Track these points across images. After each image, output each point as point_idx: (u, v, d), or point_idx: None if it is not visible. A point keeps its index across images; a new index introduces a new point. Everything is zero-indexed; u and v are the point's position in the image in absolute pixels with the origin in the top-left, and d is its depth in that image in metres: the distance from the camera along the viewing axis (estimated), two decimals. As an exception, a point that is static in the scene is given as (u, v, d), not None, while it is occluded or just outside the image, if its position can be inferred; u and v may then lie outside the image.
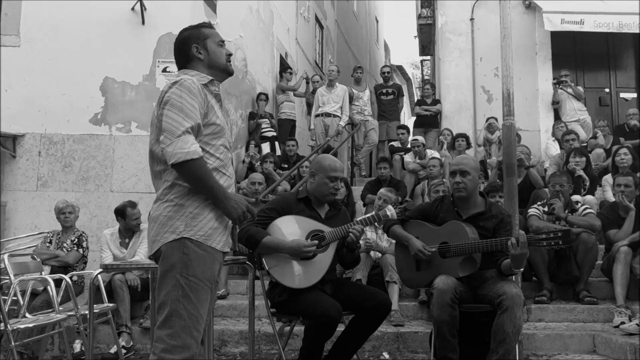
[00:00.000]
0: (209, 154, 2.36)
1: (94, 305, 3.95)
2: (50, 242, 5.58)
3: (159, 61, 6.83)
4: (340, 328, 3.43)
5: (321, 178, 3.47)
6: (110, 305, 4.82)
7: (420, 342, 4.53)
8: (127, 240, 5.49)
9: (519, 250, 3.18)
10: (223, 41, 2.60)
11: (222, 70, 2.56)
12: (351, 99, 9.25)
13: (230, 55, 2.60)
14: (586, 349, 4.39)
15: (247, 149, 8.37)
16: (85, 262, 5.64)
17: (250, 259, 3.63)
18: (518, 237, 3.19)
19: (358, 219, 3.53)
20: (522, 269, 3.41)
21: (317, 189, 3.51)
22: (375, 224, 3.52)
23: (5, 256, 4.66)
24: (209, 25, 2.61)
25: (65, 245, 5.52)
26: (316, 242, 3.33)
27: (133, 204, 5.47)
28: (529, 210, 5.36)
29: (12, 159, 6.87)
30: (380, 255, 5.27)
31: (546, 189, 5.85)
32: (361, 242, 4.90)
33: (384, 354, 4.50)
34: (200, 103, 2.32)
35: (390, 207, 3.50)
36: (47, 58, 6.90)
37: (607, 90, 10.17)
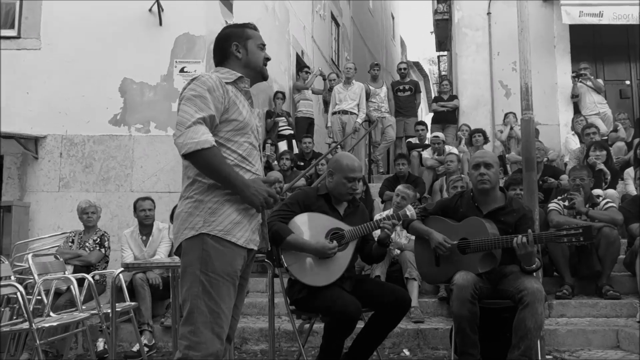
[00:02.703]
0: (230, 150, 2.35)
1: (116, 304, 4.01)
2: (73, 242, 5.66)
3: (176, 61, 6.88)
4: (360, 325, 3.43)
5: (339, 178, 3.46)
6: (132, 303, 4.87)
7: (441, 338, 4.52)
8: (144, 238, 5.55)
9: (522, 250, 3.22)
10: (264, 45, 2.58)
11: (257, 73, 2.55)
12: (368, 95, 9.24)
13: (269, 59, 2.59)
14: (609, 344, 4.35)
15: (263, 148, 8.40)
16: (107, 262, 5.71)
17: (269, 257, 3.64)
18: (526, 235, 3.20)
19: (376, 218, 3.53)
20: (534, 266, 3.39)
21: (335, 188, 3.50)
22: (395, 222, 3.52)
23: (29, 256, 4.74)
24: (253, 27, 2.59)
25: (87, 245, 5.59)
26: (336, 244, 3.33)
27: (144, 198, 5.58)
28: (549, 205, 5.30)
29: (35, 160, 6.98)
30: (399, 251, 5.26)
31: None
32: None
33: (404, 350, 4.49)
34: (218, 97, 2.31)
35: (410, 206, 3.49)
36: (66, 60, 6.99)
37: (627, 82, 10.02)
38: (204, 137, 2.20)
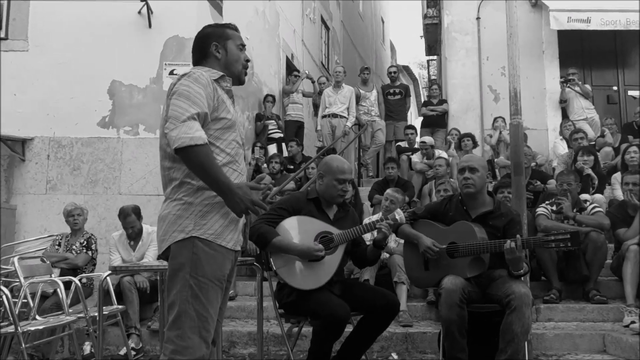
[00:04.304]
0: (219, 149, 2.33)
1: (103, 307, 3.98)
2: (59, 245, 5.61)
3: (165, 64, 6.85)
4: (349, 329, 3.43)
5: (329, 180, 3.48)
6: (120, 307, 4.85)
7: (429, 342, 4.52)
8: (132, 243, 5.51)
9: (510, 255, 3.25)
10: (244, 45, 2.56)
11: (235, 77, 2.53)
12: (358, 99, 9.25)
13: (248, 61, 2.57)
14: (596, 348, 4.37)
15: (253, 151, 8.40)
16: (94, 265, 5.67)
17: (258, 260, 3.63)
18: (514, 240, 3.22)
19: (366, 222, 3.53)
20: (522, 271, 3.41)
21: (325, 191, 3.51)
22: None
23: (16, 259, 4.70)
24: (234, 28, 2.57)
25: (74, 247, 5.55)
26: (322, 247, 3.33)
27: (127, 214, 5.41)
28: (537, 210, 5.34)
29: (22, 162, 6.92)
30: (388, 255, 5.26)
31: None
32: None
33: (392, 354, 4.50)
34: (209, 94, 2.29)
35: (399, 210, 3.50)
36: (55, 62, 6.95)
37: (615, 88, 10.11)
38: (197, 133, 2.17)
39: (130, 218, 5.40)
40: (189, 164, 2.21)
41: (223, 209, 2.30)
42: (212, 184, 2.22)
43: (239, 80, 2.57)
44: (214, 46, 2.48)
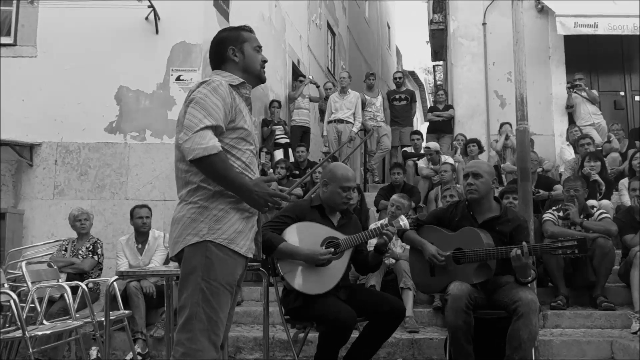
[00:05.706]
0: (235, 157, 2.35)
1: (110, 312, 3.99)
2: (66, 250, 5.64)
3: (172, 69, 6.88)
4: (355, 334, 3.43)
5: (334, 187, 3.49)
6: (126, 312, 4.86)
7: (435, 348, 4.51)
8: (139, 246, 5.53)
9: (517, 262, 3.23)
10: (260, 47, 2.57)
11: (255, 77, 2.55)
12: (364, 105, 9.27)
13: (266, 62, 2.58)
14: (604, 355, 4.34)
15: (259, 156, 8.41)
16: (101, 269, 5.69)
17: (264, 266, 3.64)
18: (520, 247, 3.21)
19: (370, 229, 3.54)
20: (529, 278, 3.40)
21: (330, 198, 3.52)
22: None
23: (23, 264, 4.72)
24: (249, 29, 2.58)
25: (80, 252, 5.57)
26: (332, 250, 3.34)
27: (141, 206, 5.58)
28: (544, 216, 5.32)
29: (29, 167, 6.96)
30: (394, 261, 5.26)
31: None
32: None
33: (398, 360, 4.49)
34: (227, 105, 2.31)
35: (403, 217, 3.51)
36: (62, 68, 6.99)
37: (622, 93, 10.08)
38: (211, 142, 2.20)
39: (144, 209, 5.51)
40: (205, 173, 2.25)
41: (237, 214, 2.32)
42: (229, 187, 2.26)
43: (259, 79, 2.59)
44: (231, 50, 2.49)
